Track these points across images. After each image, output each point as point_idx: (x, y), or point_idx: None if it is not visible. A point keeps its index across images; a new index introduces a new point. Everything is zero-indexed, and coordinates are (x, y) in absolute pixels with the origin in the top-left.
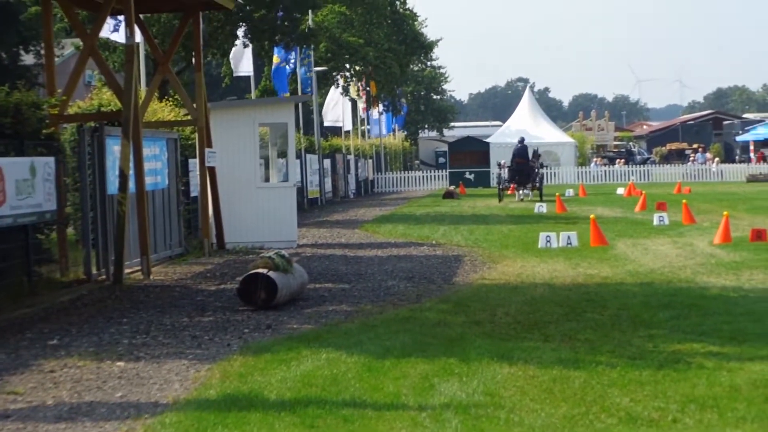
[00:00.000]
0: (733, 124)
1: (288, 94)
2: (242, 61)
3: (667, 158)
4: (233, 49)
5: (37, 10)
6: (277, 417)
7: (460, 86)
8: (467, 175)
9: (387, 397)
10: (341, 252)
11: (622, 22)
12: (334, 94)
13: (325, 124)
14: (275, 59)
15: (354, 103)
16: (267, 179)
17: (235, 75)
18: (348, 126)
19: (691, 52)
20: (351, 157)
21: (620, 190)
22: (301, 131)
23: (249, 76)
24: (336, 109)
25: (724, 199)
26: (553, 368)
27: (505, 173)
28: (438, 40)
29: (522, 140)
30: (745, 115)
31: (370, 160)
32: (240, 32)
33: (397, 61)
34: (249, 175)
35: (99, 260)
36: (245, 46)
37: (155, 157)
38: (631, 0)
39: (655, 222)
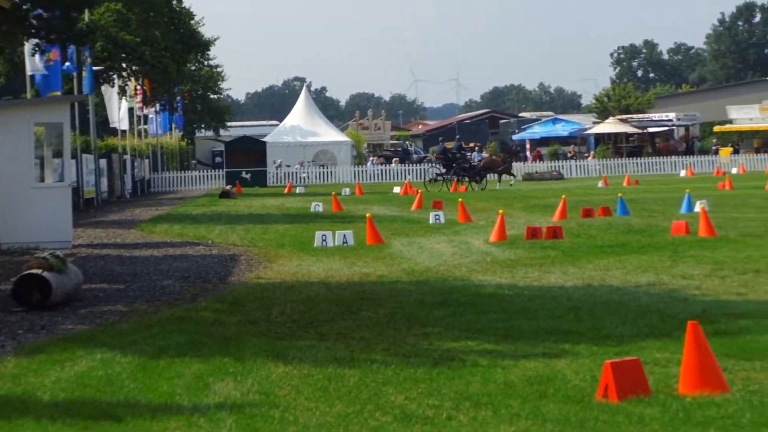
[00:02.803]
0: (510, 123)
1: (56, 93)
2: (28, 59)
3: None
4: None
5: None
6: (51, 419)
7: (237, 85)
8: (244, 175)
9: (161, 397)
10: (117, 252)
11: (399, 22)
12: (109, 93)
13: (112, 125)
14: (51, 56)
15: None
16: (42, 179)
17: (28, 74)
18: (124, 125)
19: (467, 52)
20: (127, 157)
21: (396, 189)
22: (77, 131)
23: (26, 76)
24: (114, 108)
25: (501, 197)
26: (328, 367)
27: (438, 168)
28: (215, 39)
29: (441, 140)
30: (521, 114)
31: (147, 160)
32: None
33: (173, 60)
34: (24, 176)
35: None
36: (21, 45)
37: None
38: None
39: (431, 220)
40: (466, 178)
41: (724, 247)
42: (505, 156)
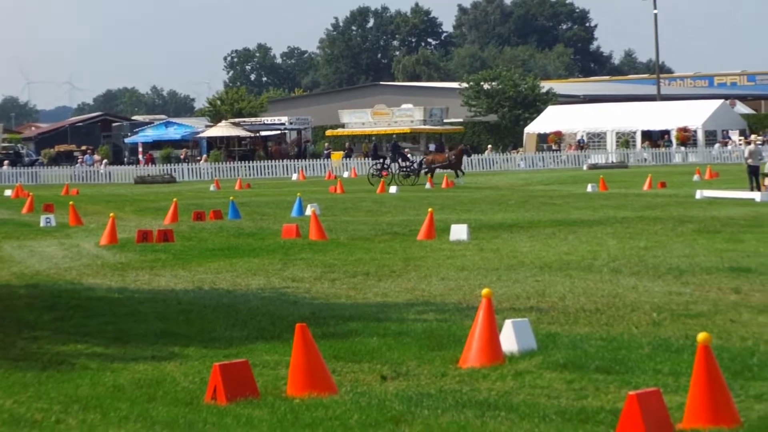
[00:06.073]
0: (123, 126)
1: None
2: None
3: (55, 160)
4: None
5: None
6: None
7: None
8: None
9: None
10: None
11: (10, 21)
12: None
13: None
14: None
15: None
16: None
17: None
18: None
19: (80, 54)
20: None
21: (8, 192)
22: None
23: None
24: None
25: (112, 200)
26: None
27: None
28: None
29: (373, 140)
30: (134, 117)
31: None
32: None
33: None
34: None
35: None
36: None
37: None
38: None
39: (42, 224)
40: (400, 174)
41: (334, 250)
42: (449, 153)
